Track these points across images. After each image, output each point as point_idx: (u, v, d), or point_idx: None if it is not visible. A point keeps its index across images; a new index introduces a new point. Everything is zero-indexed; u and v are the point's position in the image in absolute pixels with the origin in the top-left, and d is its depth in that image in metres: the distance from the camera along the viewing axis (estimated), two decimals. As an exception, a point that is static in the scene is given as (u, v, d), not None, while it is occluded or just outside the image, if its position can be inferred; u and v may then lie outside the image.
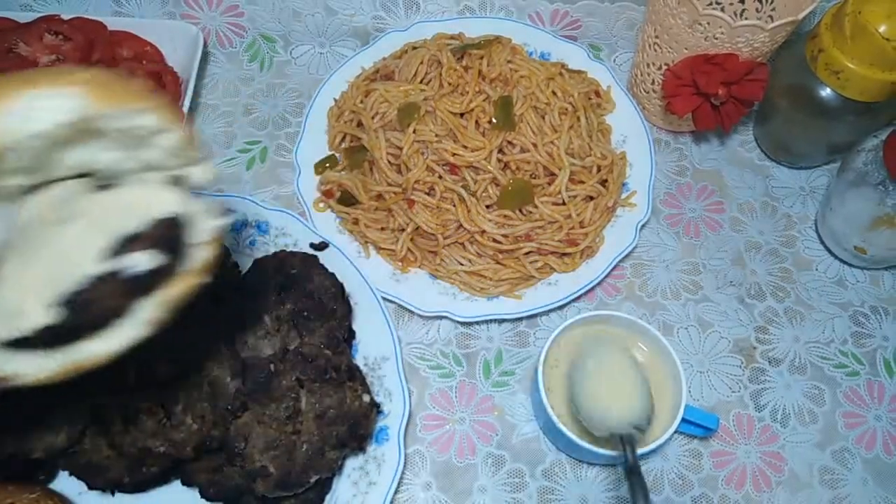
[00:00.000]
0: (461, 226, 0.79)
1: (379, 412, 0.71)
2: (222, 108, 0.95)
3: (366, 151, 0.84)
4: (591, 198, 0.84)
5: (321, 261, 0.76)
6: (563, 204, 0.81)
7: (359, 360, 0.74)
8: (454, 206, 0.79)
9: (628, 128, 0.91)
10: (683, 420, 0.68)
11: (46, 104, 0.44)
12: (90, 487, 0.65)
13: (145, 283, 0.47)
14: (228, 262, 0.76)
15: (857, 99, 0.79)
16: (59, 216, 0.47)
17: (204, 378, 0.66)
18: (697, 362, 0.81)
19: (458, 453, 0.75)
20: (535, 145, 0.81)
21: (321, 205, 0.85)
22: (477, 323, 0.81)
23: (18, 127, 0.43)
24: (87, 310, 0.46)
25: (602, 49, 1.02)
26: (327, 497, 0.68)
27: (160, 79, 0.89)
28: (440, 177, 0.80)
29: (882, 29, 0.73)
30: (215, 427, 0.65)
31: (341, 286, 0.74)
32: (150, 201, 0.49)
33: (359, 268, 0.77)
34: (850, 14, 0.75)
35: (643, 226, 0.85)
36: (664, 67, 0.87)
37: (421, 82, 0.86)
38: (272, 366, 0.68)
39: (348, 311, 0.74)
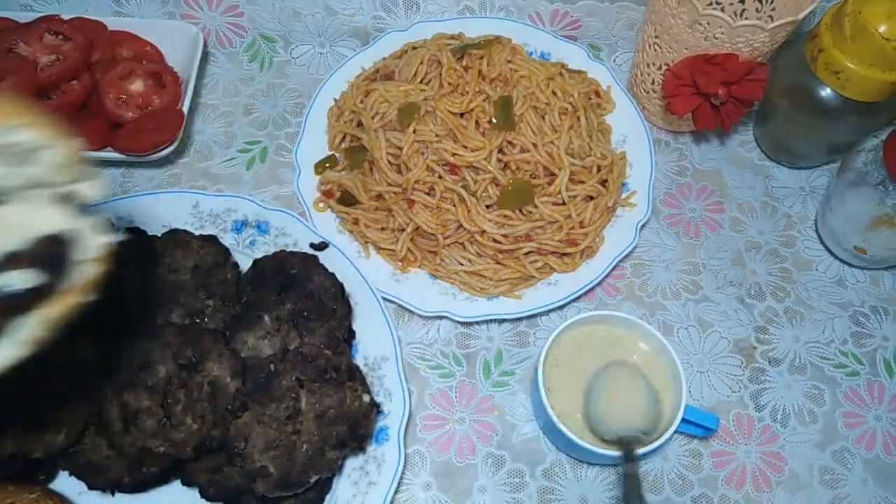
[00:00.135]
0: (461, 226, 0.79)
1: (379, 412, 0.71)
2: (222, 108, 0.95)
3: (366, 151, 0.84)
4: (591, 198, 0.84)
5: (321, 261, 0.76)
6: (563, 204, 0.81)
7: (359, 360, 0.74)
8: (454, 206, 0.79)
9: (628, 128, 0.91)
10: (683, 420, 0.68)
11: None
12: (90, 487, 0.65)
13: (23, 303, 0.46)
14: (228, 262, 0.76)
15: (857, 99, 0.79)
16: None
17: (204, 378, 0.66)
18: (697, 362, 0.81)
19: (458, 453, 0.75)
20: (535, 145, 0.81)
21: (321, 205, 0.85)
22: (477, 323, 0.81)
23: None
24: None
25: (602, 49, 1.02)
26: (327, 497, 0.68)
27: (160, 79, 0.89)
28: (440, 177, 0.80)
29: (882, 29, 0.73)
30: (215, 427, 0.65)
31: (341, 286, 0.75)
32: (34, 219, 0.48)
33: (359, 268, 0.77)
34: (850, 14, 0.75)
35: (643, 226, 0.85)
36: (664, 67, 0.87)
37: (421, 82, 0.86)
38: (272, 366, 0.68)
39: (348, 311, 0.74)
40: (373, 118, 0.84)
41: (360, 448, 0.68)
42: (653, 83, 0.91)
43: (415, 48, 0.92)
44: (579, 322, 0.72)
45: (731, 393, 0.80)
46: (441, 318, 0.80)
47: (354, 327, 0.75)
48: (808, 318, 0.85)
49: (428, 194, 0.80)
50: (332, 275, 0.75)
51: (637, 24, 1.00)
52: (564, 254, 0.81)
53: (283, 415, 0.66)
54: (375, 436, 0.70)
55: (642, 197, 0.86)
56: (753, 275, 0.87)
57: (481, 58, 0.85)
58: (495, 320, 0.81)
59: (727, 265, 0.87)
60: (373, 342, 0.74)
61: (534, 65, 0.87)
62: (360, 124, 0.87)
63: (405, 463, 0.69)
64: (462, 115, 0.82)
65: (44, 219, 0.49)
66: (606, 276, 0.82)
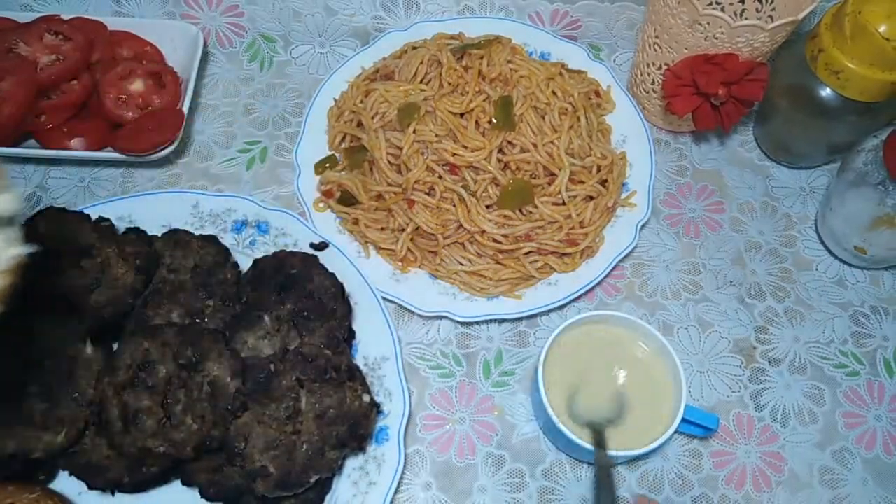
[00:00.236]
0: (461, 226, 0.79)
1: (379, 412, 0.71)
2: (222, 108, 0.95)
3: (366, 151, 0.84)
4: (591, 198, 0.84)
5: (321, 261, 0.76)
6: (563, 204, 0.81)
7: (359, 360, 0.74)
8: (454, 206, 0.79)
9: (628, 128, 0.91)
10: (683, 420, 0.68)
11: None
12: (90, 487, 0.65)
13: None
14: (228, 262, 0.76)
15: (857, 99, 0.79)
16: None
17: (204, 378, 0.66)
18: (697, 362, 0.81)
19: (458, 453, 0.75)
20: (535, 145, 0.81)
21: (321, 205, 0.85)
22: (477, 323, 0.81)
23: None
24: None
25: (602, 49, 1.02)
26: (327, 497, 0.68)
27: (160, 79, 0.89)
28: (440, 177, 0.80)
29: (882, 29, 0.73)
30: (215, 427, 0.65)
31: (341, 286, 0.75)
32: None
33: (359, 268, 0.77)
34: (850, 14, 0.75)
35: (643, 226, 0.85)
36: (664, 67, 0.87)
37: (421, 82, 0.86)
38: (272, 366, 0.68)
39: (348, 311, 0.74)
40: (373, 118, 0.84)
41: (360, 448, 0.68)
42: (653, 83, 0.91)
43: (415, 48, 0.92)
44: (579, 322, 0.72)
45: (731, 393, 0.80)
46: (441, 318, 0.80)
47: (354, 327, 0.75)
48: (808, 318, 0.85)
49: (428, 194, 0.80)
50: (332, 275, 0.75)
51: (637, 24, 1.00)
52: (564, 254, 0.81)
53: (283, 415, 0.66)
54: (375, 436, 0.70)
55: (642, 197, 0.86)
56: (753, 275, 0.87)
57: (481, 58, 0.85)
58: (495, 320, 0.81)
59: (727, 265, 0.87)
60: (373, 342, 0.74)
61: (534, 65, 0.87)
62: (360, 124, 0.87)
63: (405, 463, 0.69)
64: (462, 115, 0.82)
65: None
66: (606, 276, 0.82)
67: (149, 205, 0.81)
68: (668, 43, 0.84)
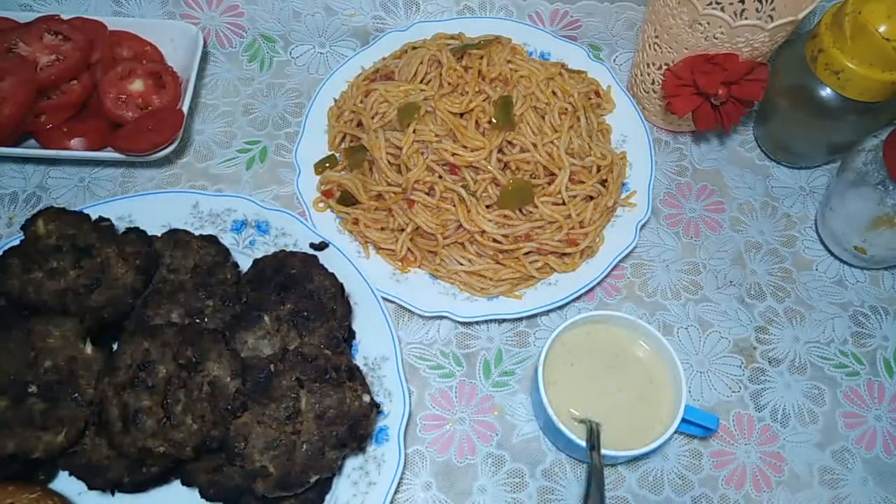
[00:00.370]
0: (461, 226, 0.79)
1: (379, 412, 0.71)
2: (222, 108, 0.95)
3: (366, 151, 0.84)
4: (591, 198, 0.84)
5: (321, 261, 0.76)
6: (563, 204, 0.81)
7: (359, 360, 0.74)
8: (454, 206, 0.79)
9: (628, 128, 0.91)
10: (683, 420, 0.68)
11: None
12: (90, 487, 0.65)
13: None
14: (228, 262, 0.76)
15: (857, 99, 0.79)
16: None
17: (204, 378, 0.66)
18: (697, 362, 0.81)
19: (458, 453, 0.75)
20: (535, 145, 0.81)
21: (321, 205, 0.85)
22: (477, 323, 0.81)
23: None
24: None
25: (602, 49, 1.02)
26: (327, 497, 0.68)
27: (160, 79, 0.89)
28: (440, 177, 0.80)
29: (882, 29, 0.73)
30: (215, 427, 0.65)
31: (341, 286, 0.74)
32: None
33: (359, 268, 0.77)
34: (850, 14, 0.75)
35: (643, 226, 0.85)
36: (664, 67, 0.87)
37: (421, 82, 0.86)
38: (272, 366, 0.68)
39: (348, 311, 0.74)
40: (373, 118, 0.84)
41: (360, 448, 0.68)
42: (653, 83, 0.91)
43: (415, 48, 0.92)
44: (579, 322, 0.72)
45: (731, 393, 0.80)
46: (441, 318, 0.80)
47: (354, 327, 0.75)
48: (808, 318, 0.85)
49: (428, 194, 0.80)
50: (332, 275, 0.75)
51: (637, 24, 1.00)
52: (564, 254, 0.81)
53: (283, 415, 0.66)
54: (375, 436, 0.70)
55: (642, 197, 0.86)
56: (753, 275, 0.87)
57: (481, 58, 0.85)
58: (495, 320, 0.81)
59: (727, 265, 0.87)
60: (373, 342, 0.74)
61: (534, 65, 0.87)
62: (360, 124, 0.87)
63: (405, 463, 0.69)
64: (462, 115, 0.82)
65: None
66: (606, 276, 0.82)
67: (149, 205, 0.81)
68: (668, 43, 0.84)
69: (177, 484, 0.68)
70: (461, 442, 0.75)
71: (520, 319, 0.81)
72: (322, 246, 0.79)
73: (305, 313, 0.72)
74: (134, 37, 0.93)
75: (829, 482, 0.76)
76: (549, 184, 0.81)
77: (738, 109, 0.85)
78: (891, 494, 0.75)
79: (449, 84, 0.84)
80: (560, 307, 0.81)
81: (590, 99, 0.91)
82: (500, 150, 0.80)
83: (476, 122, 0.81)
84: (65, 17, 0.90)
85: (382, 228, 0.82)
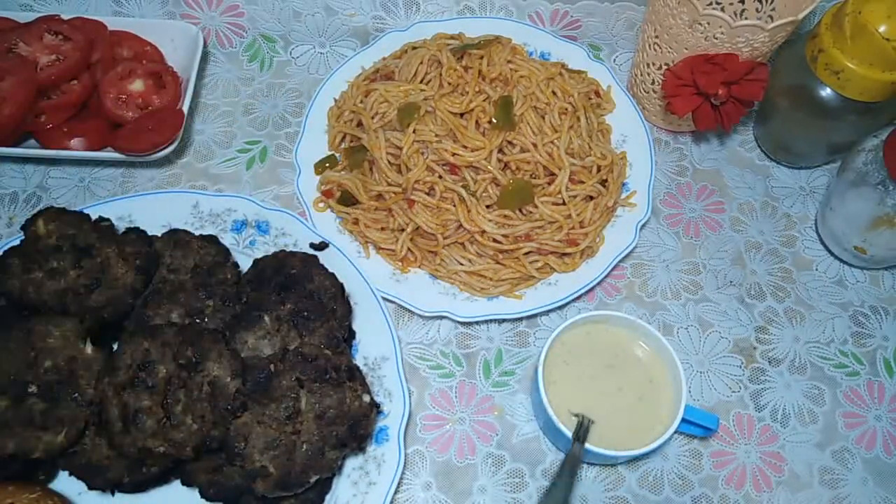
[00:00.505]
0: (461, 226, 0.79)
1: (379, 412, 0.71)
2: (222, 108, 0.95)
3: (366, 151, 0.84)
4: (591, 198, 0.84)
5: (321, 261, 0.76)
6: (563, 204, 0.81)
7: (359, 360, 0.74)
8: (454, 206, 0.79)
9: (628, 128, 0.91)
10: (683, 420, 0.68)
11: None
12: (90, 487, 0.65)
13: None
14: (228, 262, 0.76)
15: (857, 99, 0.79)
16: None
17: (204, 378, 0.66)
18: (697, 362, 0.81)
19: (458, 453, 0.75)
20: (535, 145, 0.81)
21: (321, 205, 0.85)
22: (477, 323, 0.81)
23: None
24: None
25: (602, 49, 1.02)
26: (327, 497, 0.68)
27: (160, 79, 0.89)
28: (440, 177, 0.80)
29: (882, 29, 0.73)
30: (215, 427, 0.65)
31: (341, 286, 0.74)
32: None
33: (359, 268, 0.77)
34: (850, 14, 0.75)
35: (643, 226, 0.85)
36: (664, 67, 0.87)
37: (421, 82, 0.86)
38: (272, 366, 0.68)
39: (348, 311, 0.74)
40: (373, 118, 0.84)
41: (360, 448, 0.68)
42: (653, 83, 0.91)
43: (415, 48, 0.92)
44: (579, 322, 0.72)
45: (731, 393, 0.80)
46: (441, 318, 0.80)
47: (354, 327, 0.75)
48: (808, 318, 0.85)
49: (428, 194, 0.80)
50: (332, 275, 0.75)
51: (637, 24, 1.00)
52: (564, 254, 0.81)
53: (283, 415, 0.66)
54: (375, 436, 0.70)
55: (642, 197, 0.86)
56: (753, 275, 0.87)
57: (481, 58, 0.85)
58: (495, 320, 0.81)
59: (727, 265, 0.87)
60: (373, 342, 0.74)
61: (534, 65, 0.87)
62: (360, 124, 0.87)
63: (405, 463, 0.69)
64: (462, 115, 0.82)
65: None
66: (606, 276, 0.82)
67: (149, 205, 0.81)
68: (668, 43, 0.84)
69: (177, 484, 0.68)
70: (461, 442, 0.75)
71: (520, 319, 0.81)
72: (322, 246, 0.79)
73: (305, 313, 0.72)
74: (134, 37, 0.93)
75: (829, 482, 0.76)
76: (549, 184, 0.81)
77: (738, 109, 0.85)
78: (891, 494, 0.75)
79: (449, 84, 0.84)
80: (560, 307, 0.81)
81: (590, 99, 0.91)
82: (501, 150, 0.80)
83: (476, 122, 0.81)
84: (65, 17, 0.90)
85: (382, 228, 0.82)
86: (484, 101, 0.82)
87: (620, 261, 0.83)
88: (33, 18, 0.89)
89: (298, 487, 0.64)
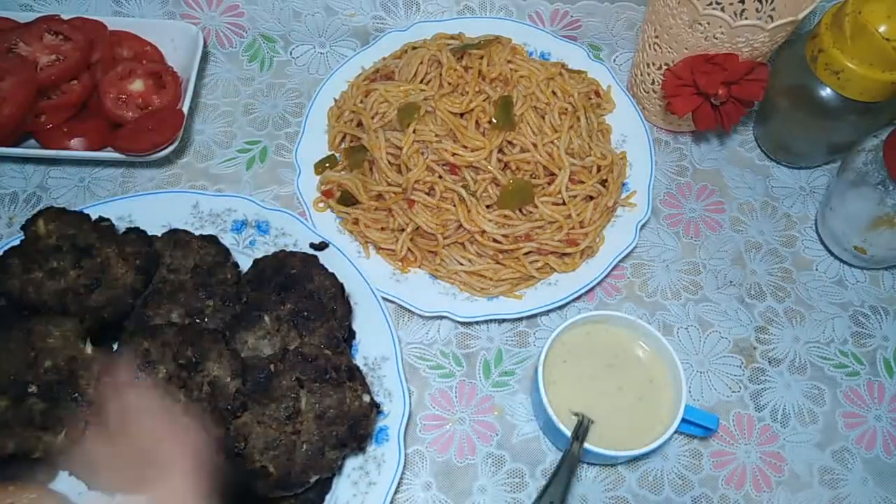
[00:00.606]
0: (461, 226, 0.79)
1: (379, 412, 0.71)
2: (222, 108, 0.95)
3: (366, 151, 0.84)
4: (591, 198, 0.84)
5: (321, 261, 0.76)
6: (563, 204, 0.81)
7: (359, 360, 0.74)
8: (454, 206, 0.79)
9: (628, 128, 0.91)
10: (683, 420, 0.68)
11: None
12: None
13: None
14: (228, 262, 0.76)
15: (857, 99, 0.79)
16: None
17: (204, 378, 0.66)
18: (697, 362, 0.81)
19: (458, 453, 0.75)
20: (535, 145, 0.81)
21: (321, 205, 0.85)
22: (477, 323, 0.81)
23: None
24: None
25: (602, 49, 1.02)
26: (327, 497, 0.68)
27: (160, 79, 0.89)
28: (440, 177, 0.80)
29: (882, 29, 0.73)
30: (215, 427, 0.65)
31: (341, 286, 0.75)
32: None
33: (359, 268, 0.77)
34: (850, 14, 0.75)
35: (643, 226, 0.85)
36: (664, 67, 0.87)
37: (421, 82, 0.86)
38: (272, 366, 0.68)
39: (348, 311, 0.74)
40: (373, 118, 0.84)
41: (360, 448, 0.68)
42: (653, 83, 0.91)
43: (415, 48, 0.92)
44: (579, 322, 0.72)
45: (731, 393, 0.80)
46: (441, 318, 0.80)
47: (354, 327, 0.75)
48: (808, 318, 0.85)
49: (428, 194, 0.80)
50: (332, 275, 0.75)
51: (637, 24, 1.00)
52: (564, 254, 0.81)
53: (283, 415, 0.66)
54: (375, 436, 0.70)
55: (642, 197, 0.86)
56: (753, 275, 0.87)
57: (481, 58, 0.85)
58: (495, 320, 0.81)
59: (727, 265, 0.87)
60: (373, 342, 0.74)
61: (534, 65, 0.87)
62: (360, 124, 0.87)
63: (405, 463, 0.69)
64: (462, 115, 0.82)
65: None
66: (606, 276, 0.82)
67: (149, 205, 0.81)
68: (668, 43, 0.84)
69: (177, 484, 0.68)
70: (461, 442, 0.75)
71: (520, 319, 0.81)
72: (322, 246, 0.79)
73: (305, 313, 0.72)
74: (134, 37, 0.93)
75: (829, 482, 0.76)
76: (549, 184, 0.81)
77: (738, 109, 0.85)
78: (891, 494, 0.75)
79: (449, 84, 0.84)
80: (560, 307, 0.81)
81: (590, 99, 0.91)
82: (501, 150, 0.80)
83: (476, 122, 0.81)
84: (65, 17, 0.90)
85: (382, 228, 0.82)
86: (484, 101, 0.82)
87: (620, 261, 0.83)
88: (33, 18, 0.89)
89: (298, 487, 0.64)
